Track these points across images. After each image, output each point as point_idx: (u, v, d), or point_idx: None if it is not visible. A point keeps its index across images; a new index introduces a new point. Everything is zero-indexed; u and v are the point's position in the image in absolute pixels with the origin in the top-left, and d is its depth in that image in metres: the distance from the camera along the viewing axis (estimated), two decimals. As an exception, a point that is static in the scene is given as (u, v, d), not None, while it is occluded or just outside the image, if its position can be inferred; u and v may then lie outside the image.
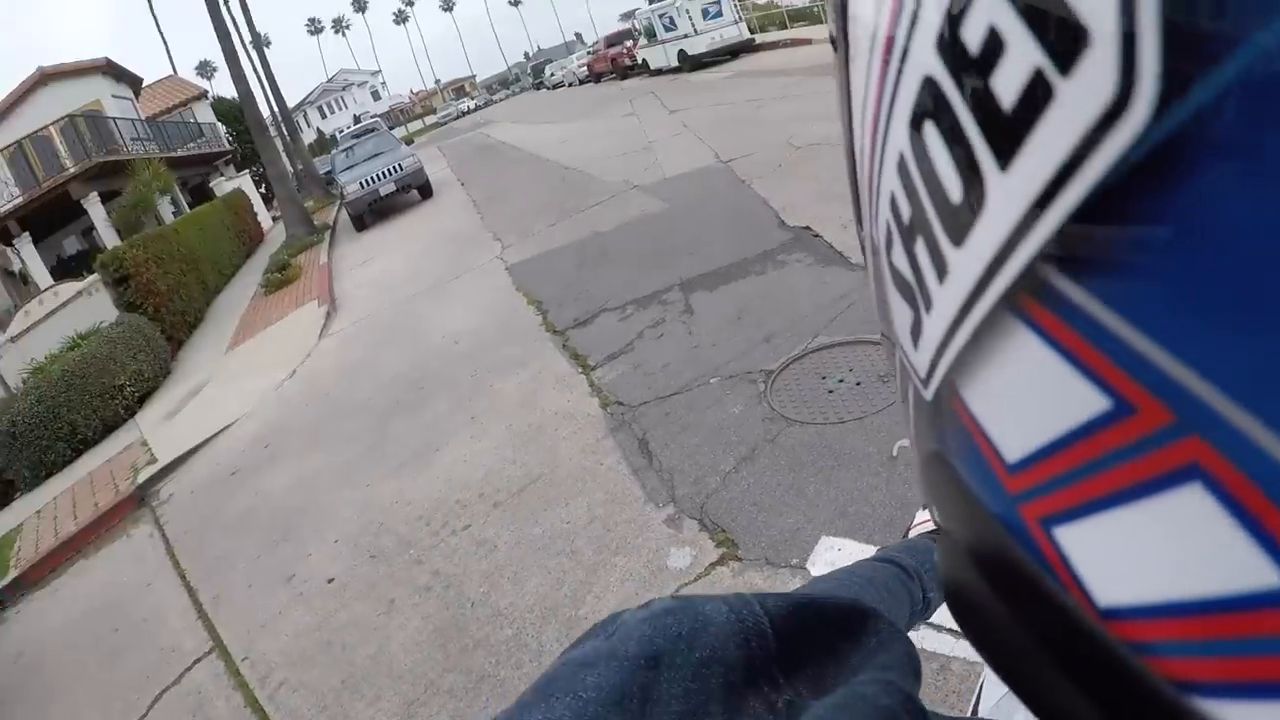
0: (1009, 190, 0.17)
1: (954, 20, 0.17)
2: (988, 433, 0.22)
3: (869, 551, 2.51)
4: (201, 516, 4.62)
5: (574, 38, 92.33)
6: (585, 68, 27.13)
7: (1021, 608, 0.22)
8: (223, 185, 18.16)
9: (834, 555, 2.47)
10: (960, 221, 0.19)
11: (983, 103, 0.17)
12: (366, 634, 2.92)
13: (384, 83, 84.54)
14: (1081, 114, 0.14)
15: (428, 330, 6.13)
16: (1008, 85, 0.16)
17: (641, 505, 2.99)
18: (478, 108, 43.86)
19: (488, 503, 3.41)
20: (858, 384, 3.32)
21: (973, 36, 0.17)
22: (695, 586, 2.52)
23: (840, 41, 0.27)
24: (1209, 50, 0.12)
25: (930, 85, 0.19)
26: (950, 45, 0.18)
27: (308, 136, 42.49)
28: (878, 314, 0.31)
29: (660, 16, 18.25)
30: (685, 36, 17.55)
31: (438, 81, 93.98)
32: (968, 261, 0.20)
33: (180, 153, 20.17)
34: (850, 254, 4.66)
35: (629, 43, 22.44)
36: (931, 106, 0.20)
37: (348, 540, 3.63)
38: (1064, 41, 0.14)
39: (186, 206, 17.49)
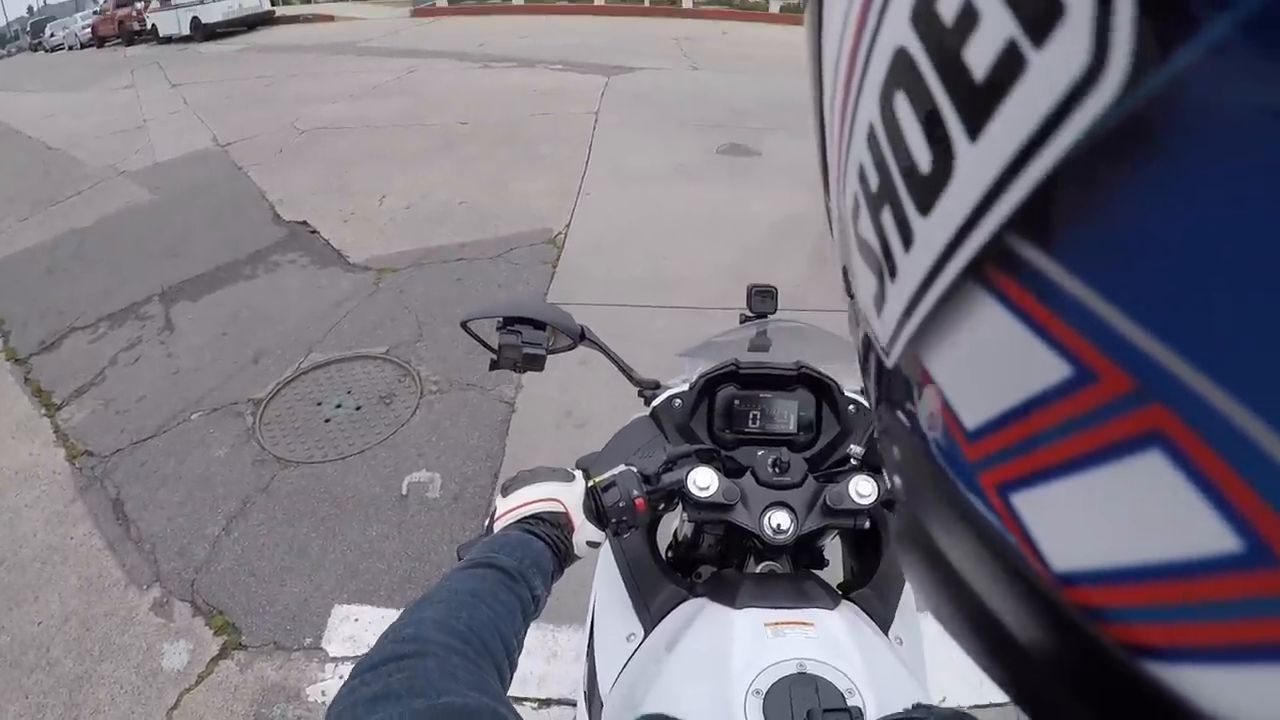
0: (978, 160, 0.17)
1: None
2: (948, 400, 0.21)
3: (388, 618, 2.59)
4: None
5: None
6: (90, 29, 22.60)
7: (978, 573, 0.22)
8: None
9: (351, 628, 2.31)
10: (928, 191, 0.19)
11: (955, 74, 0.17)
12: None
13: None
14: (1053, 85, 0.14)
15: None
16: (980, 57, 0.16)
17: (123, 589, 2.54)
18: (-43, 72, 29.16)
19: (-58, 607, 2.61)
20: (357, 408, 3.19)
21: (947, 9, 0.17)
22: (199, 691, 2.17)
23: (813, 15, 0.26)
24: (1181, 24, 0.12)
25: (903, 57, 0.19)
26: (925, 17, 0.18)
27: None
28: (841, 284, 0.31)
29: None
30: (201, 3, 16.69)
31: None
32: (934, 230, 0.19)
33: None
34: (349, 252, 4.48)
35: (139, 4, 19.72)
36: (903, 78, 0.20)
37: None
38: (1038, 13, 0.14)
39: None
